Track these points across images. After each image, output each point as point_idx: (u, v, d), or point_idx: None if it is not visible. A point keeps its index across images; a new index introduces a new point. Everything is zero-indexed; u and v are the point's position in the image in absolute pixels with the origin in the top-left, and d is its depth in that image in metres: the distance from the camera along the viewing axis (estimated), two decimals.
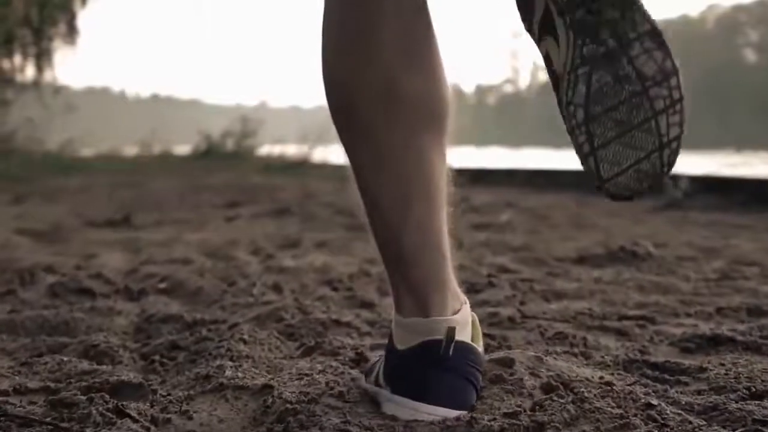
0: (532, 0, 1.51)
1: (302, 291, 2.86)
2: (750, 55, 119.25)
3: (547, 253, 3.95)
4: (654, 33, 1.45)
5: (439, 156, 1.58)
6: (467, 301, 1.64)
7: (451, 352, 1.54)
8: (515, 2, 1.54)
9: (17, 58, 20.87)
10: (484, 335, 1.83)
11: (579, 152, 1.49)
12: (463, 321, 1.58)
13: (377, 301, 2.64)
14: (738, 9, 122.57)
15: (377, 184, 1.58)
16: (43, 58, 20.78)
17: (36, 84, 20.46)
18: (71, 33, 21.40)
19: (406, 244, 1.58)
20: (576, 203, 7.62)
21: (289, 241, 4.84)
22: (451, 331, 1.54)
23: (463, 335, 1.57)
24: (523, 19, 1.54)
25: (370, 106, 1.53)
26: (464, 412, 1.52)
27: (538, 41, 1.54)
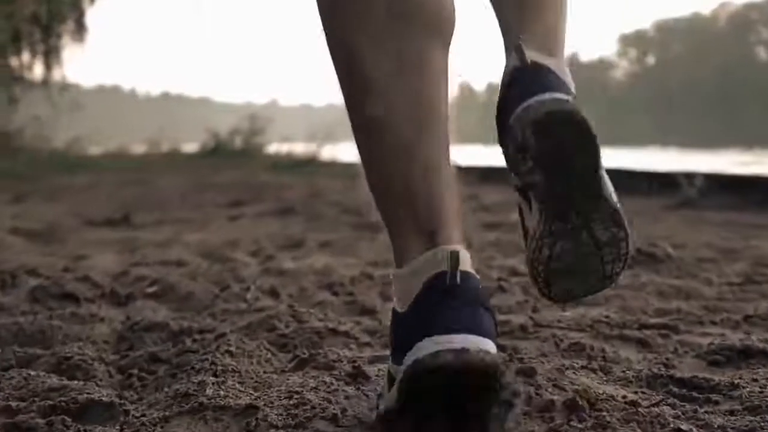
0: (511, 167, 1.61)
1: (300, 296, 2.68)
2: (762, 53, 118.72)
3: None
4: (614, 213, 1.59)
5: (446, 81, 1.53)
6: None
7: (458, 280, 1.39)
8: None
9: (25, 56, 20.81)
10: None
11: (534, 282, 1.64)
12: (469, 258, 1.47)
13: (379, 308, 2.46)
14: (750, 7, 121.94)
15: (390, 104, 1.47)
16: (51, 55, 20.68)
17: (44, 82, 20.38)
18: (80, 30, 21.30)
19: (414, 178, 1.49)
20: None
21: (292, 242, 4.67)
22: (455, 256, 1.41)
23: (470, 268, 1.45)
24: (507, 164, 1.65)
25: (384, 19, 1.47)
26: (490, 341, 1.35)
27: (515, 191, 1.65)
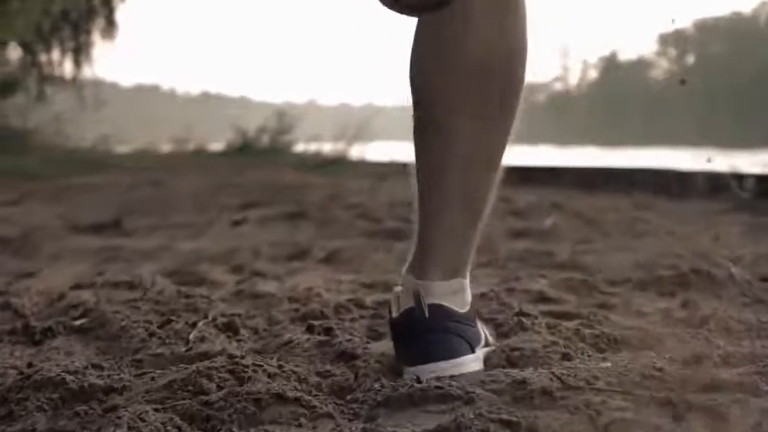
0: None
1: (263, 334, 2.10)
2: None
3: (598, 271, 3.19)
4: None
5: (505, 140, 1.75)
6: (470, 302, 1.77)
7: (426, 314, 1.66)
8: None
9: (55, 53, 20.46)
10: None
11: None
12: (450, 290, 1.71)
13: (360, 352, 1.87)
14: None
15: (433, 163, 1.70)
16: (81, 53, 20.32)
17: (74, 80, 20.04)
18: (110, 27, 20.90)
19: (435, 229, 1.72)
20: (631, 206, 6.82)
21: (294, 251, 4.14)
22: (417, 294, 1.66)
23: (448, 301, 1.69)
24: None
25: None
26: (462, 359, 1.65)
27: None
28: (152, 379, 1.64)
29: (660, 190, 7.93)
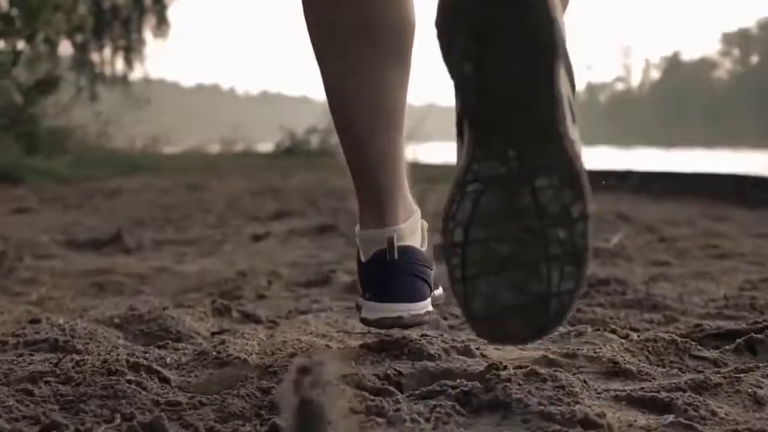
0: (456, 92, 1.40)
1: None
2: None
3: (681, 312, 2.51)
4: (571, 170, 1.29)
5: (402, 84, 1.77)
6: (418, 210, 1.90)
7: (396, 256, 1.79)
8: None
9: (107, 51, 20.18)
10: None
11: (449, 274, 1.36)
12: (410, 228, 1.84)
13: None
14: None
15: (347, 106, 1.77)
16: (132, 51, 20.04)
17: (124, 78, 19.76)
18: (162, 25, 20.58)
19: (370, 165, 1.80)
20: (704, 215, 6.12)
21: (315, 275, 3.49)
22: (390, 240, 1.79)
23: (411, 240, 1.83)
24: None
25: (345, 32, 1.69)
26: (422, 304, 1.80)
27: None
28: None
29: (734, 198, 7.23)
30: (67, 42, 18.20)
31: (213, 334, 2.16)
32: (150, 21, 20.58)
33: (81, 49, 19.10)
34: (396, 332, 1.94)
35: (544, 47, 1.26)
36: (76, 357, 1.72)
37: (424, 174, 9.83)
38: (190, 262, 3.93)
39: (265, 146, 18.94)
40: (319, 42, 1.75)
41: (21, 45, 14.40)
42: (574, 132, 1.31)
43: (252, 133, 21.77)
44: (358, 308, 1.85)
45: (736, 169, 10.62)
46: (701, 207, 6.64)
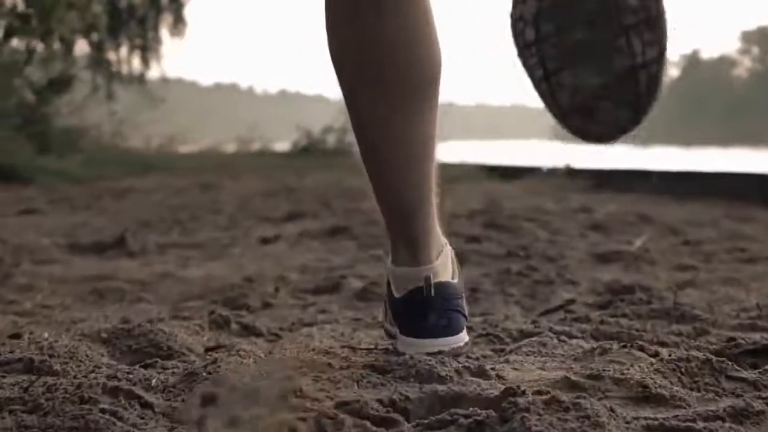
0: None
1: None
2: None
3: (711, 323, 2.34)
4: None
5: (431, 121, 1.72)
6: (447, 242, 1.87)
7: (433, 293, 1.79)
8: None
9: (123, 50, 20.06)
10: None
11: (531, 77, 1.33)
12: (443, 264, 1.83)
13: None
14: None
15: (377, 146, 1.73)
16: (148, 50, 19.93)
17: (141, 77, 19.66)
18: (178, 24, 20.46)
19: (404, 197, 1.77)
20: (728, 216, 5.93)
21: (325, 281, 3.35)
22: (428, 279, 1.79)
23: (445, 275, 1.82)
24: None
25: (367, 73, 1.65)
26: (462, 337, 1.83)
27: None
28: None
29: (758, 198, 7.03)
30: (83, 41, 18.11)
31: (207, 350, 2.00)
32: (167, 20, 20.43)
33: (97, 48, 18.98)
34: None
35: None
36: (50, 380, 1.56)
37: (442, 174, 9.67)
38: (195, 267, 3.78)
39: (282, 145, 18.76)
40: (348, 83, 1.71)
41: (36, 44, 14.31)
42: None
43: (269, 132, 21.63)
44: (389, 334, 1.94)
45: (757, 168, 10.42)
46: (725, 208, 6.45)
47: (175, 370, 1.77)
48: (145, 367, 1.80)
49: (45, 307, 2.86)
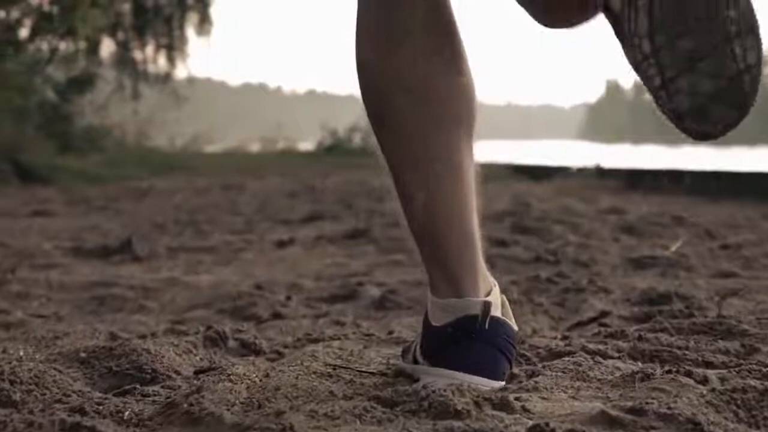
0: None
1: None
2: None
3: (762, 342, 2.10)
4: None
5: (467, 145, 1.65)
6: (497, 284, 1.71)
7: (486, 325, 1.61)
8: None
9: (149, 49, 19.97)
10: None
11: (649, 86, 1.42)
12: (495, 301, 1.65)
13: None
14: None
15: (407, 171, 1.65)
16: (174, 49, 19.83)
17: (167, 76, 19.55)
18: (204, 23, 20.34)
19: (437, 228, 1.66)
20: (766, 217, 5.67)
21: (342, 287, 3.14)
22: (488, 305, 1.62)
23: (495, 312, 1.64)
24: None
25: (397, 95, 1.61)
26: (499, 383, 1.60)
27: None
28: None
29: None
30: (110, 40, 18.05)
31: (197, 372, 1.77)
32: (192, 19, 20.32)
33: (123, 47, 18.90)
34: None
35: None
36: (2, 415, 1.34)
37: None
38: (204, 272, 3.58)
39: (307, 145, 18.60)
40: (371, 107, 1.68)
41: (58, 43, 14.19)
42: None
43: (296, 131, 21.50)
44: (414, 374, 1.70)
45: None
46: (762, 208, 6.19)
47: (156, 398, 1.55)
48: (123, 393, 1.58)
49: (37, 317, 2.67)
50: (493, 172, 9.74)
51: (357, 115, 15.84)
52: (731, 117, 1.42)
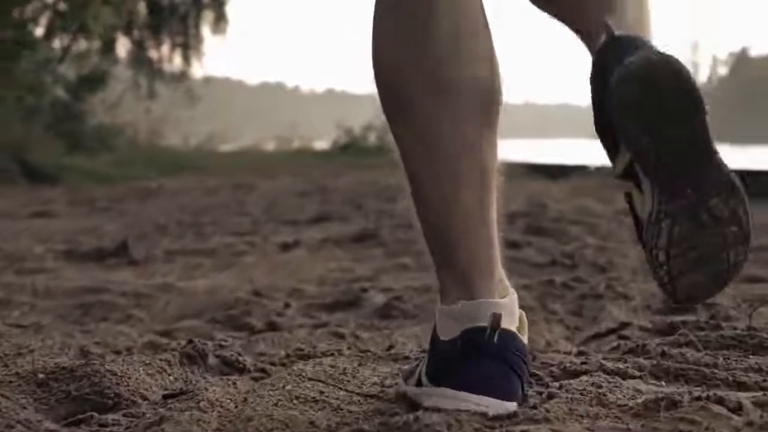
0: (616, 147, 1.56)
1: None
2: None
3: None
4: (729, 181, 1.52)
5: (489, 144, 1.61)
6: (515, 293, 1.60)
7: (495, 339, 1.50)
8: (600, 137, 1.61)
9: (165, 48, 19.89)
10: None
11: (657, 279, 1.53)
12: (509, 308, 1.55)
13: None
14: None
15: (424, 169, 1.59)
16: (190, 48, 19.77)
17: (182, 75, 19.49)
18: (219, 22, 20.27)
19: (452, 227, 1.58)
20: None
21: (345, 293, 2.97)
22: (497, 317, 1.51)
23: (509, 324, 1.53)
24: (608, 155, 1.61)
25: (419, 93, 1.57)
26: (512, 404, 1.46)
27: (620, 178, 1.60)
28: None
29: None
30: (125, 39, 17.99)
31: (165, 397, 1.58)
32: (208, 17, 20.24)
33: (139, 46, 18.84)
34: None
35: (700, 112, 1.49)
36: None
37: None
38: (201, 277, 3.42)
39: (323, 144, 18.47)
40: (390, 105, 1.61)
41: (71, 41, 14.08)
42: (720, 155, 1.54)
43: (312, 130, 21.38)
44: (416, 399, 1.54)
45: None
46: None
47: (114, 428, 1.37)
48: (77, 423, 1.40)
49: (16, 327, 2.50)
50: (508, 171, 9.53)
51: (373, 114, 15.69)
52: (715, 292, 1.57)
